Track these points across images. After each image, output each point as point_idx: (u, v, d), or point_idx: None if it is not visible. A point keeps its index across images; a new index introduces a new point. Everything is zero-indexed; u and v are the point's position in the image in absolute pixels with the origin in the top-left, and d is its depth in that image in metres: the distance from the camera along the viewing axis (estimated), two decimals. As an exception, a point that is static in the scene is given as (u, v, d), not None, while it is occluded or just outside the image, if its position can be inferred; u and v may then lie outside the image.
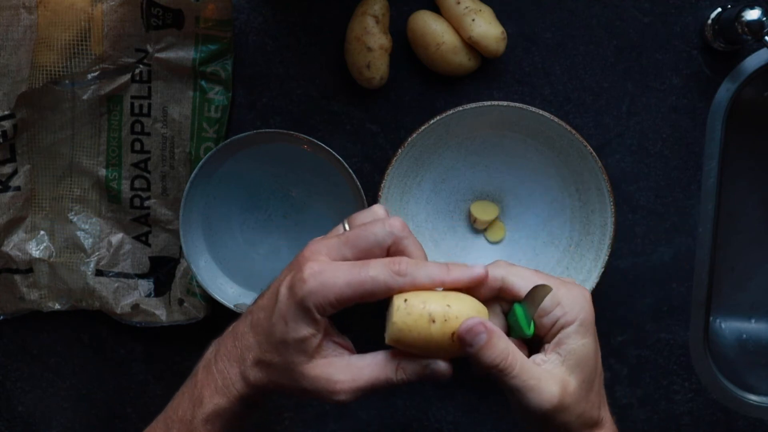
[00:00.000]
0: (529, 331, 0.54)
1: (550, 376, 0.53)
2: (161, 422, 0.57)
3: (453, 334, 0.52)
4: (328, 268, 0.51)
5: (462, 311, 0.52)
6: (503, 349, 0.52)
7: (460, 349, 0.52)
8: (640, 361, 0.80)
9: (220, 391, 0.54)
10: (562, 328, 0.54)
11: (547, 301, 0.54)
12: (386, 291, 0.51)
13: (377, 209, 0.56)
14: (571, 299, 0.55)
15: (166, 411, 0.58)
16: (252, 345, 0.54)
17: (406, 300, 0.52)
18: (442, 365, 0.53)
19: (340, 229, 0.55)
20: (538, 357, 0.55)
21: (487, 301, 0.55)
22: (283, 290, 0.52)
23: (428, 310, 0.51)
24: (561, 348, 0.54)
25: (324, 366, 0.52)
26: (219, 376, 0.55)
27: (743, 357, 0.87)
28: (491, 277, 0.54)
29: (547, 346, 0.55)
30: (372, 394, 0.53)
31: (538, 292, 0.53)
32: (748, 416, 0.80)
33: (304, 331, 0.51)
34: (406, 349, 0.53)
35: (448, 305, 0.52)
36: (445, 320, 0.51)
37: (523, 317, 0.54)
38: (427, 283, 0.52)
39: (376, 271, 0.51)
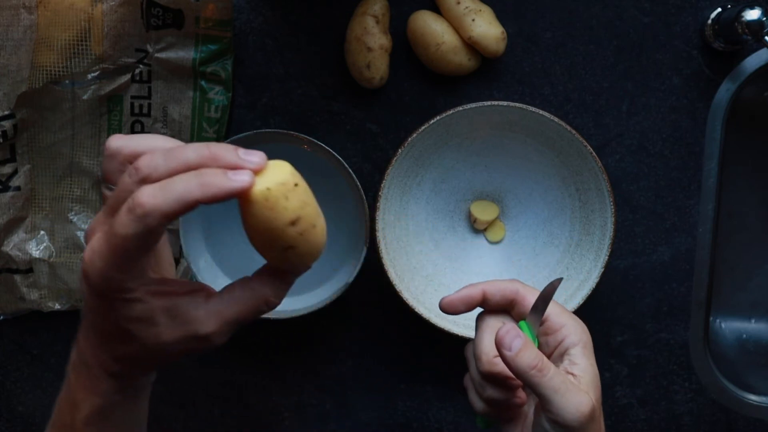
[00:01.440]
0: (536, 343, 0.55)
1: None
2: None
3: (290, 248, 0.48)
4: (96, 249, 0.46)
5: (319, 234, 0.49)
6: (538, 353, 0.52)
7: (288, 261, 0.50)
8: (640, 361, 0.80)
9: (92, 390, 0.52)
10: (568, 348, 0.55)
11: (555, 322, 0.55)
12: (159, 217, 0.44)
13: (110, 143, 0.50)
14: (574, 323, 0.56)
15: (52, 421, 0.56)
16: (99, 342, 0.51)
17: (297, 185, 0.47)
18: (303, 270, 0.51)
19: (106, 193, 0.50)
20: None
21: (498, 315, 0.57)
22: (83, 287, 0.48)
23: (299, 214, 0.47)
24: (574, 367, 0.54)
25: (178, 325, 0.48)
26: (86, 376, 0.52)
27: (743, 357, 0.87)
28: (504, 289, 0.56)
29: (559, 365, 0.55)
30: (243, 324, 0.50)
31: (550, 288, 0.55)
32: (748, 416, 0.80)
33: (131, 311, 0.48)
34: (247, 214, 0.47)
35: (314, 226, 0.49)
36: (301, 234, 0.48)
37: (530, 333, 0.55)
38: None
39: (122, 219, 0.45)
